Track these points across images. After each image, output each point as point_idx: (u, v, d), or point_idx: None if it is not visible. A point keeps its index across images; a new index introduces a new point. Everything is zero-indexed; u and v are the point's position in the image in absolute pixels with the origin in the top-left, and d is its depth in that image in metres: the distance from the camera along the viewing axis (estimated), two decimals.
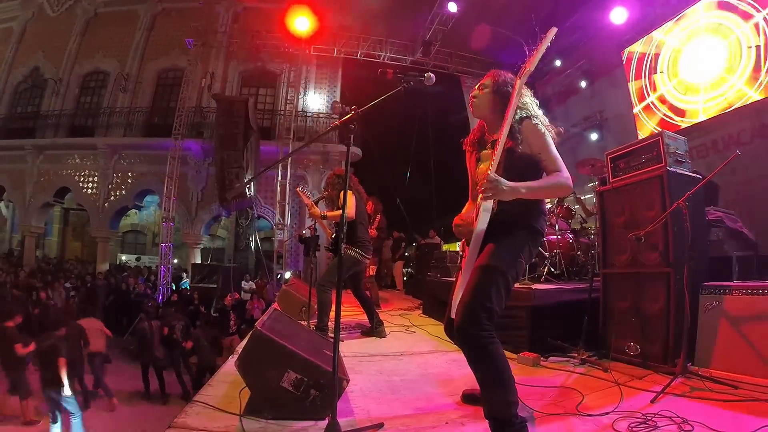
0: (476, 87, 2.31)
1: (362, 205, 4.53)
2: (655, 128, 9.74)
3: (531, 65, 2.07)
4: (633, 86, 10.36)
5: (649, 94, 9.91)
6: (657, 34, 9.64)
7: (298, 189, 4.86)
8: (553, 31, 2.06)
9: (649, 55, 9.88)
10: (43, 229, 17.72)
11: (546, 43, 2.05)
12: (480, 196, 1.99)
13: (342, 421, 2.03)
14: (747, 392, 2.38)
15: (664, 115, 9.53)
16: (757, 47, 7.67)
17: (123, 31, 16.84)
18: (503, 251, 2.05)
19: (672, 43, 9.30)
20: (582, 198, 6.71)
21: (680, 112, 9.18)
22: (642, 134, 10.05)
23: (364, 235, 4.43)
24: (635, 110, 10.26)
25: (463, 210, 2.38)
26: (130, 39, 16.78)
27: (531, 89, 2.29)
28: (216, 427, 2.08)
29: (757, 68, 7.69)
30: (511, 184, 1.91)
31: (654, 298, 3.07)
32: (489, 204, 2.02)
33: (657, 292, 3.05)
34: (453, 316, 2.01)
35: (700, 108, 8.76)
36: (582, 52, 12.41)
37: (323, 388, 2.15)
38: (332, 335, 4.20)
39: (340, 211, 4.00)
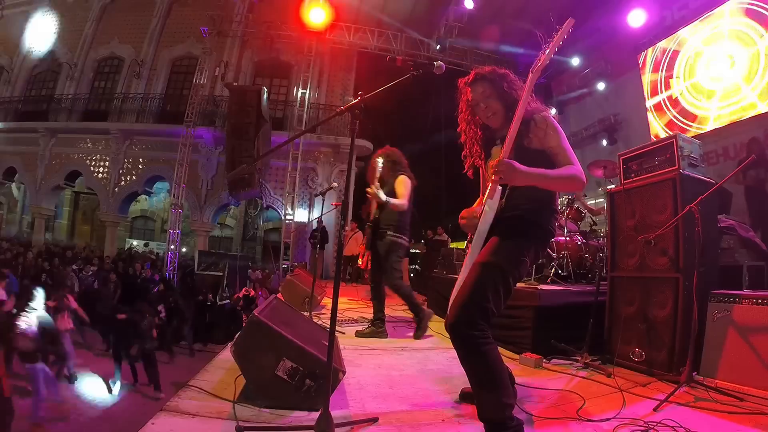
0: (481, 103, 2.19)
1: (412, 192, 4.41)
2: (663, 128, 9.65)
3: (546, 58, 1.98)
4: (648, 78, 10.23)
5: (662, 91, 9.79)
6: (682, 33, 9.49)
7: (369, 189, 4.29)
8: (571, 22, 1.96)
9: (669, 50, 9.73)
10: (53, 212, 17.91)
11: (563, 34, 1.95)
12: (487, 193, 1.94)
13: (336, 414, 1.99)
14: (753, 405, 2.32)
15: (674, 116, 9.42)
16: None
17: (139, 18, 16.96)
18: (507, 249, 1.97)
19: (694, 44, 9.14)
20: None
21: (691, 117, 9.05)
22: (651, 132, 9.98)
23: (408, 221, 4.46)
24: (647, 104, 10.15)
25: (474, 205, 2.30)
26: (146, 25, 16.91)
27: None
28: (208, 412, 2.06)
29: None
30: (525, 168, 1.83)
31: (661, 304, 2.99)
32: (494, 203, 1.95)
33: (665, 298, 2.97)
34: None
35: (712, 116, 8.62)
36: (599, 54, 12.27)
37: (318, 378, 2.12)
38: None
39: (398, 200, 4.16)
